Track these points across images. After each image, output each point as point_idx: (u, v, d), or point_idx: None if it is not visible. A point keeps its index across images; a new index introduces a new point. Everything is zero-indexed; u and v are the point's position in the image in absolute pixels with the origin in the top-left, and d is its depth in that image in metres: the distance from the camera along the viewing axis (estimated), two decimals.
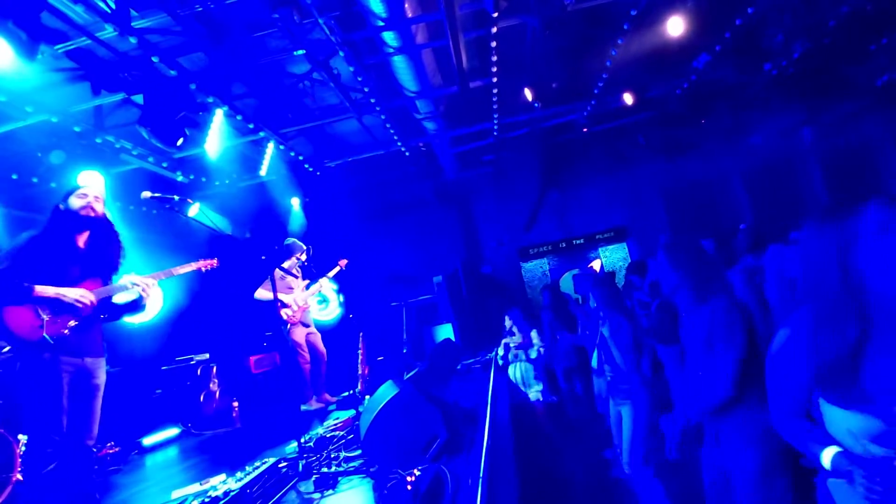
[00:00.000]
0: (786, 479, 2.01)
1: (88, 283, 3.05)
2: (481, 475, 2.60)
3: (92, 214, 3.12)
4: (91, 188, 3.18)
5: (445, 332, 8.03)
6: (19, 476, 3.63)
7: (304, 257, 5.76)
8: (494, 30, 5.01)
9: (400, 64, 5.24)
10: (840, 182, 8.46)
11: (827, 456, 1.36)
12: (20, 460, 3.68)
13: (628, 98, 7.47)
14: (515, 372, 5.98)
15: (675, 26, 5.69)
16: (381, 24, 4.50)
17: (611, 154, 9.45)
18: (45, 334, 2.82)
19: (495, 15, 4.75)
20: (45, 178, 5.36)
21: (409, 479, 2.68)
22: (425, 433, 3.11)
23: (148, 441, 5.28)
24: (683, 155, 9.09)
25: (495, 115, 7.23)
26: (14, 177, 5.29)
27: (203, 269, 3.62)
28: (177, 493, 3.18)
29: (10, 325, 2.77)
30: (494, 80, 6.02)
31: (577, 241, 9.75)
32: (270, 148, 6.64)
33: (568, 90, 7.38)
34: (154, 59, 4.27)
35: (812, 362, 1.37)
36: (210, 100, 5.10)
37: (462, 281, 8.82)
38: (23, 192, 5.39)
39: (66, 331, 2.89)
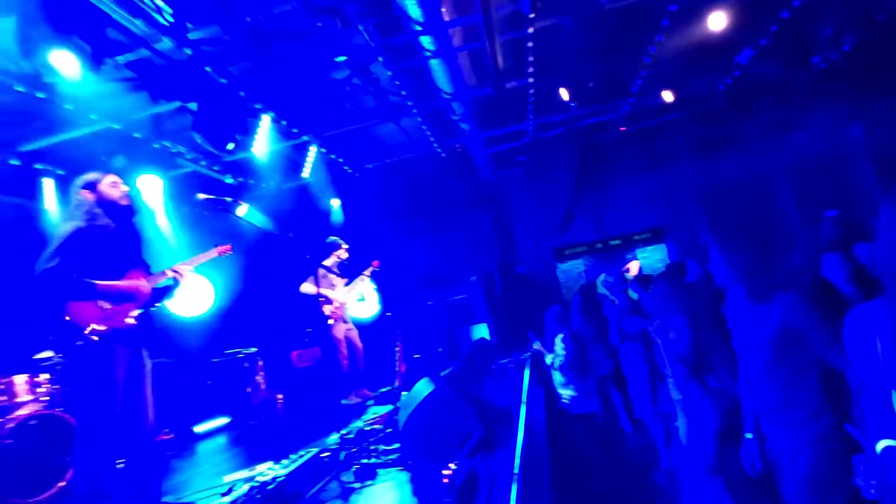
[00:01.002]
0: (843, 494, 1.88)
1: (133, 273, 3.11)
2: (516, 472, 2.65)
3: (127, 203, 3.14)
4: (116, 175, 3.18)
5: (481, 331, 8.09)
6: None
7: (345, 255, 5.96)
8: (531, 30, 5.03)
9: (436, 67, 5.34)
10: (893, 179, 8.03)
11: (881, 446, 1.31)
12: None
13: (668, 96, 7.33)
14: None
15: (718, 21, 5.57)
16: (419, 28, 4.59)
17: (648, 153, 9.24)
18: (109, 326, 2.91)
19: (532, 16, 4.78)
20: None
21: (445, 472, 2.77)
22: (461, 429, 3.19)
23: (199, 429, 5.58)
24: (725, 153, 8.81)
25: (530, 116, 7.23)
26: None
27: (220, 254, 3.70)
28: (228, 478, 3.39)
29: (76, 319, 2.85)
30: (530, 80, 6.04)
31: (614, 242, 9.61)
32: (312, 151, 6.87)
33: (605, 89, 7.29)
34: (207, 69, 4.52)
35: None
36: (258, 106, 5.34)
37: (497, 281, 8.84)
38: None
39: (131, 321, 3.00)
